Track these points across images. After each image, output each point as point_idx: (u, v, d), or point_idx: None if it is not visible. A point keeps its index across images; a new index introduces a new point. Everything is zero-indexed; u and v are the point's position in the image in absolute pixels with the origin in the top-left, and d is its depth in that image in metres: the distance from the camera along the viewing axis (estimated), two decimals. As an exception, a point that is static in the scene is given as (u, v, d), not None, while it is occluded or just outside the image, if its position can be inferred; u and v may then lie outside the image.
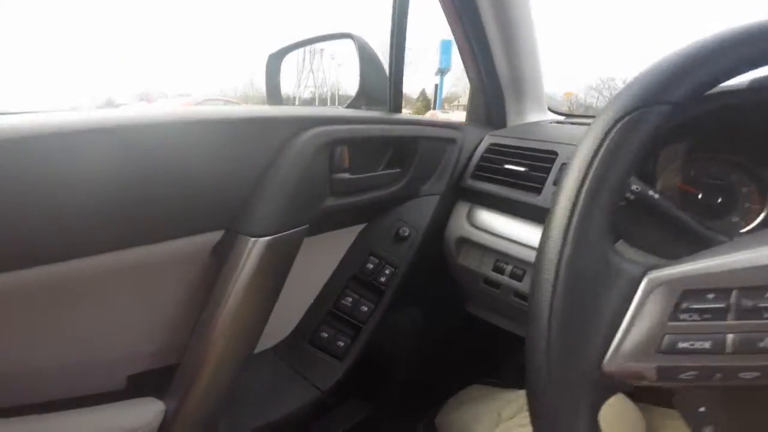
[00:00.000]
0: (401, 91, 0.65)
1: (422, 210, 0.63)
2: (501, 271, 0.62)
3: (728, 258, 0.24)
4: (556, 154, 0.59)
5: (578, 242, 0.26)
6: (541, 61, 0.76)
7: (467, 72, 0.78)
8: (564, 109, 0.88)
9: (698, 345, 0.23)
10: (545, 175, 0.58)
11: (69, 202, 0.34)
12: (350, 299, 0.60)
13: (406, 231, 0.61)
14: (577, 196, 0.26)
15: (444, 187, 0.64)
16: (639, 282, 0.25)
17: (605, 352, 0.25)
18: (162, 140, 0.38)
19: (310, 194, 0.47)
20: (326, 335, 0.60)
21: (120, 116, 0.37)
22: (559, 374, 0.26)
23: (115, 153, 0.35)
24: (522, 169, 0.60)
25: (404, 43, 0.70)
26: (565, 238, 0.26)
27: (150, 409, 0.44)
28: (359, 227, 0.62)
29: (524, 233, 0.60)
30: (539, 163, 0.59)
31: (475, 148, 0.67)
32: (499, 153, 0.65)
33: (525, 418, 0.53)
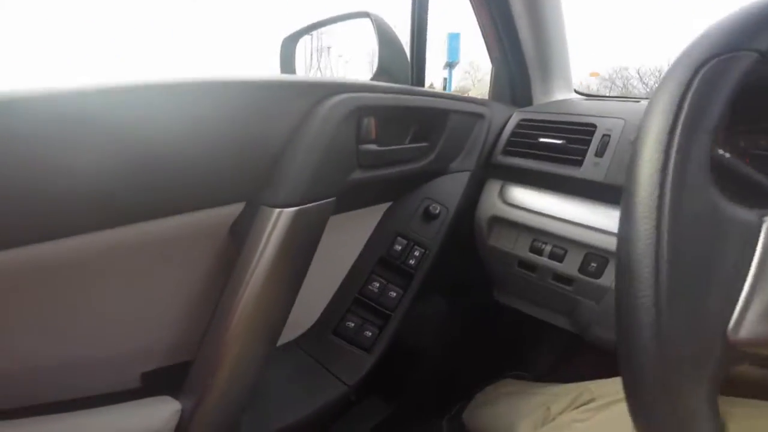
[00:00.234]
0: (424, 66, 0.62)
1: (452, 187, 0.59)
2: (539, 252, 0.57)
3: None
4: (594, 126, 0.56)
5: (679, 185, 0.22)
6: (568, 39, 0.73)
7: (489, 52, 0.75)
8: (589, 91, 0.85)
9: None
10: (585, 147, 0.55)
11: (73, 169, 0.31)
12: (377, 285, 0.56)
13: (436, 208, 0.57)
14: (670, 138, 0.23)
15: (474, 164, 0.61)
16: (759, 228, 0.21)
17: (729, 316, 0.21)
18: (177, 103, 0.35)
19: (337, 164, 0.44)
20: (352, 325, 0.56)
21: (132, 80, 0.34)
22: (670, 346, 0.22)
23: (125, 116, 0.32)
24: (559, 141, 0.57)
25: (426, 17, 0.68)
26: (662, 182, 0.23)
27: (165, 409, 0.41)
28: (384, 206, 0.58)
29: (565, 208, 0.56)
30: (578, 136, 0.56)
31: (504, 125, 0.64)
32: (531, 128, 0.61)
33: (581, 413, 0.48)
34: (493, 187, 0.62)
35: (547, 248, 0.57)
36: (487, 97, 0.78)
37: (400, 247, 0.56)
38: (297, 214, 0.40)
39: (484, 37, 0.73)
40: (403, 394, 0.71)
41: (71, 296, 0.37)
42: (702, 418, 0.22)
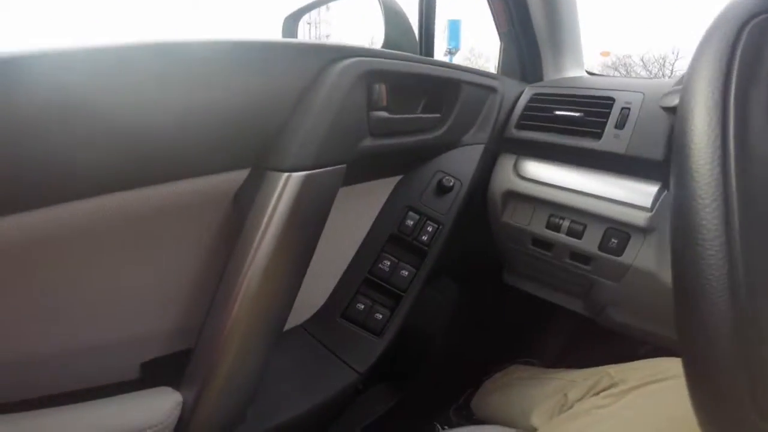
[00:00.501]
0: (433, 36, 0.60)
1: (465, 160, 0.57)
2: (556, 228, 0.55)
3: None
4: (612, 99, 0.54)
5: (742, 128, 0.21)
6: (579, 14, 0.71)
7: (498, 27, 0.72)
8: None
9: None
10: (604, 120, 0.53)
11: (66, 131, 0.28)
12: (388, 263, 0.53)
13: (450, 181, 0.54)
14: (726, 81, 0.21)
15: (487, 138, 0.58)
16: None
17: None
18: (177, 64, 0.32)
19: (347, 129, 0.41)
20: (362, 307, 0.53)
21: (131, 40, 0.31)
22: (747, 299, 0.19)
23: (121, 77, 0.30)
24: (577, 114, 0.55)
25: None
26: (724, 126, 0.21)
27: (166, 401, 0.38)
28: (394, 180, 0.55)
29: (583, 181, 0.53)
30: (596, 108, 0.54)
31: (516, 99, 0.62)
32: (546, 102, 0.59)
33: (602, 399, 0.46)
34: (506, 162, 0.60)
35: (565, 224, 0.54)
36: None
37: (412, 223, 0.53)
38: (307, 179, 0.37)
39: (492, 12, 0.71)
40: (410, 382, 0.68)
41: (60, 276, 0.34)
42: None
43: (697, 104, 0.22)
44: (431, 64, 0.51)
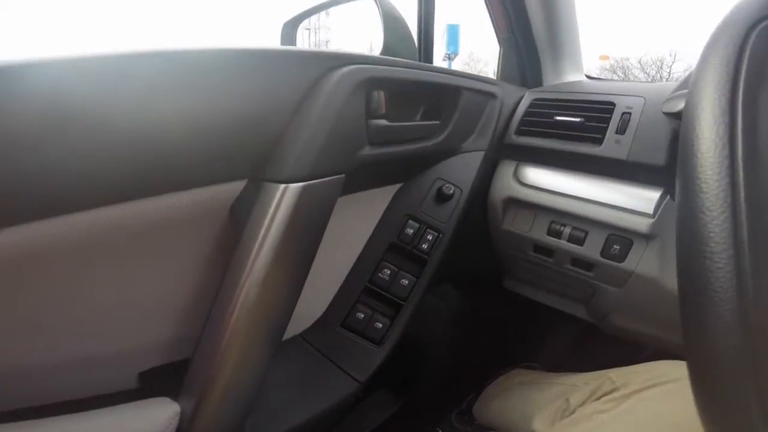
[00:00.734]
0: (432, 42, 0.59)
1: (465, 167, 0.56)
2: (557, 234, 0.55)
3: None
4: (613, 104, 0.54)
5: (751, 132, 0.20)
6: (578, 19, 0.71)
7: (497, 33, 0.72)
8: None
9: None
10: (605, 125, 0.53)
11: (59, 142, 0.28)
12: (388, 272, 0.53)
13: (450, 189, 0.54)
14: (734, 86, 0.21)
15: (487, 144, 0.58)
16: None
17: None
18: (172, 72, 0.32)
19: (346, 139, 0.41)
20: (362, 316, 0.52)
21: (125, 49, 0.31)
22: (757, 313, 0.19)
23: (115, 86, 0.29)
24: (577, 119, 0.54)
25: (434, 4, 0.65)
26: (731, 130, 0.20)
27: (163, 412, 0.37)
28: (394, 188, 0.55)
29: (584, 187, 0.53)
30: (597, 114, 0.54)
31: (516, 105, 0.61)
32: (546, 107, 0.59)
33: (603, 403, 0.45)
34: (507, 168, 0.60)
35: (566, 230, 0.54)
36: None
37: (411, 231, 0.53)
38: (304, 189, 0.37)
39: (491, 17, 0.71)
40: (411, 388, 0.68)
41: (58, 286, 0.33)
42: None
43: (704, 110, 0.21)
44: (430, 71, 0.50)
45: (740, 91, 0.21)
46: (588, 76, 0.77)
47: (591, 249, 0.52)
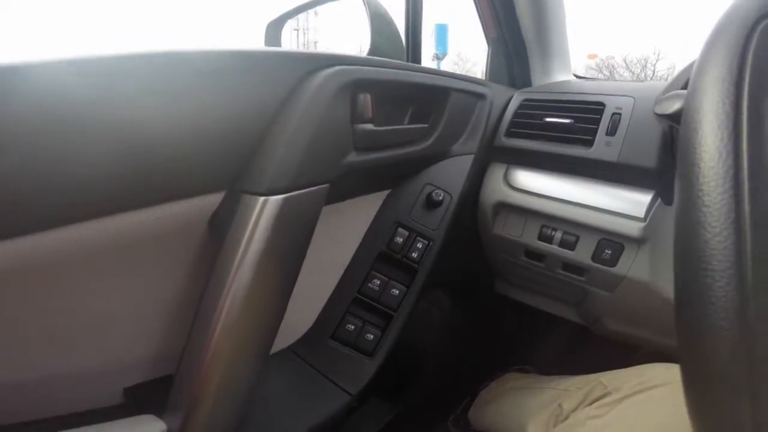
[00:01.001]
0: (420, 42, 0.58)
1: (455, 171, 0.55)
2: (549, 239, 0.54)
3: None
4: (602, 104, 0.53)
5: (756, 141, 0.19)
6: (567, 19, 0.70)
7: (485, 32, 0.71)
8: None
9: None
10: (595, 127, 0.52)
11: (24, 157, 0.26)
12: (378, 282, 0.51)
13: (439, 195, 0.52)
14: (738, 91, 0.19)
15: (477, 147, 0.57)
16: None
17: None
18: (142, 78, 0.30)
19: (330, 145, 0.39)
20: (352, 327, 0.51)
21: (91, 52, 0.29)
22: (757, 342, 0.18)
23: (83, 91, 0.27)
24: (567, 121, 0.53)
25: (421, 3, 0.64)
26: (736, 138, 0.19)
27: (149, 430, 0.36)
28: (382, 195, 0.53)
29: (575, 191, 0.52)
30: (587, 115, 0.53)
31: (505, 106, 0.60)
32: (536, 108, 0.58)
33: (595, 409, 0.45)
34: (496, 172, 0.59)
35: (558, 235, 0.53)
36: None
37: (401, 239, 0.51)
38: (285, 202, 0.35)
39: (480, 18, 0.70)
40: (405, 396, 0.67)
41: (39, 302, 0.32)
42: None
43: (706, 116, 0.20)
44: (418, 71, 0.49)
45: (744, 95, 0.19)
46: (576, 76, 0.77)
47: (582, 254, 0.51)
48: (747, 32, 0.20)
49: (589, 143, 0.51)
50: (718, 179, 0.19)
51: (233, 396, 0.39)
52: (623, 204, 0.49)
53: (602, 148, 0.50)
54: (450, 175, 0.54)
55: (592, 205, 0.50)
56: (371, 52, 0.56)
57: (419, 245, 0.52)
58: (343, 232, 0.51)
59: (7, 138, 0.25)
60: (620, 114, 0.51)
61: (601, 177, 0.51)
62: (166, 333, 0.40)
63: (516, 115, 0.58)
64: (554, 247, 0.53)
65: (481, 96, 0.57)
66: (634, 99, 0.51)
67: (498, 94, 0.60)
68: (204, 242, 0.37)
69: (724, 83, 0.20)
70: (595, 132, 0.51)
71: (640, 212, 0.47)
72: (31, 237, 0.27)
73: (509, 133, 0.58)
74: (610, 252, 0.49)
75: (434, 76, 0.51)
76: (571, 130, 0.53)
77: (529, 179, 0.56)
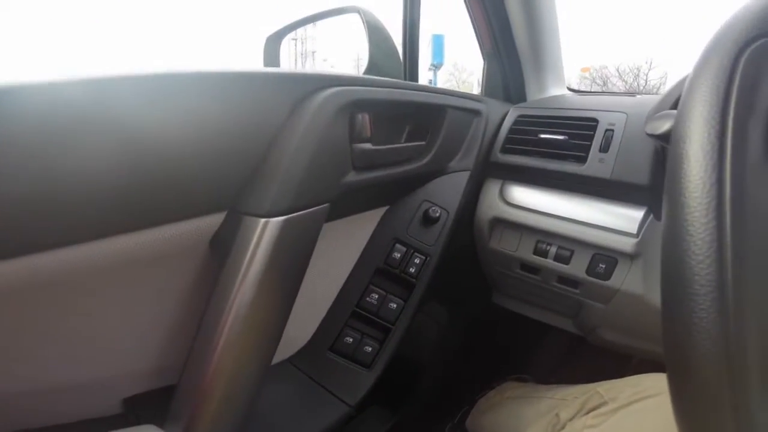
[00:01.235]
0: (417, 53, 0.59)
1: (451, 188, 0.56)
2: (543, 254, 0.55)
3: None
4: (596, 120, 0.54)
5: (739, 170, 0.20)
6: (560, 34, 0.72)
7: (481, 48, 0.73)
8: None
9: None
10: (588, 143, 0.53)
11: (28, 178, 0.26)
12: (376, 296, 0.52)
13: (436, 211, 0.53)
14: (722, 120, 0.20)
15: (473, 163, 0.58)
16: None
17: None
18: (143, 99, 0.30)
19: (329, 166, 0.40)
20: (351, 340, 0.51)
21: (88, 73, 0.29)
22: (737, 356, 0.19)
23: (84, 112, 0.27)
24: (561, 137, 0.55)
25: (419, 15, 0.65)
26: (720, 169, 0.20)
27: None
28: (380, 211, 0.54)
29: (569, 207, 0.53)
30: (580, 131, 0.54)
31: (501, 121, 0.61)
32: (530, 124, 0.59)
33: (592, 418, 0.46)
34: (492, 187, 0.60)
35: (552, 249, 0.54)
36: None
37: (399, 255, 0.52)
38: (285, 224, 0.36)
39: (476, 33, 0.71)
40: (404, 405, 0.67)
41: (43, 318, 0.32)
42: None
43: (693, 145, 0.21)
44: (415, 90, 0.50)
45: (730, 121, 0.20)
46: (569, 89, 0.78)
47: (577, 268, 0.52)
48: (735, 55, 0.21)
49: (582, 160, 0.52)
50: (702, 210, 0.20)
51: (234, 408, 0.39)
52: (616, 220, 0.50)
53: (596, 165, 0.51)
54: (447, 192, 0.55)
55: (586, 221, 0.51)
56: (369, 66, 0.57)
57: (417, 260, 0.53)
58: (342, 248, 0.52)
59: (8, 159, 0.25)
60: (613, 130, 0.52)
61: (595, 193, 0.52)
62: (167, 347, 0.40)
63: (511, 131, 0.60)
64: (549, 261, 0.54)
65: (477, 112, 0.58)
66: (627, 115, 0.52)
67: (493, 109, 0.61)
68: (205, 262, 0.38)
69: (711, 110, 0.21)
70: (588, 148, 0.53)
71: (633, 228, 0.48)
72: (34, 257, 0.28)
73: (504, 150, 0.59)
74: (604, 266, 0.50)
75: (431, 94, 0.52)
76: (565, 147, 0.54)
77: (525, 195, 0.57)
